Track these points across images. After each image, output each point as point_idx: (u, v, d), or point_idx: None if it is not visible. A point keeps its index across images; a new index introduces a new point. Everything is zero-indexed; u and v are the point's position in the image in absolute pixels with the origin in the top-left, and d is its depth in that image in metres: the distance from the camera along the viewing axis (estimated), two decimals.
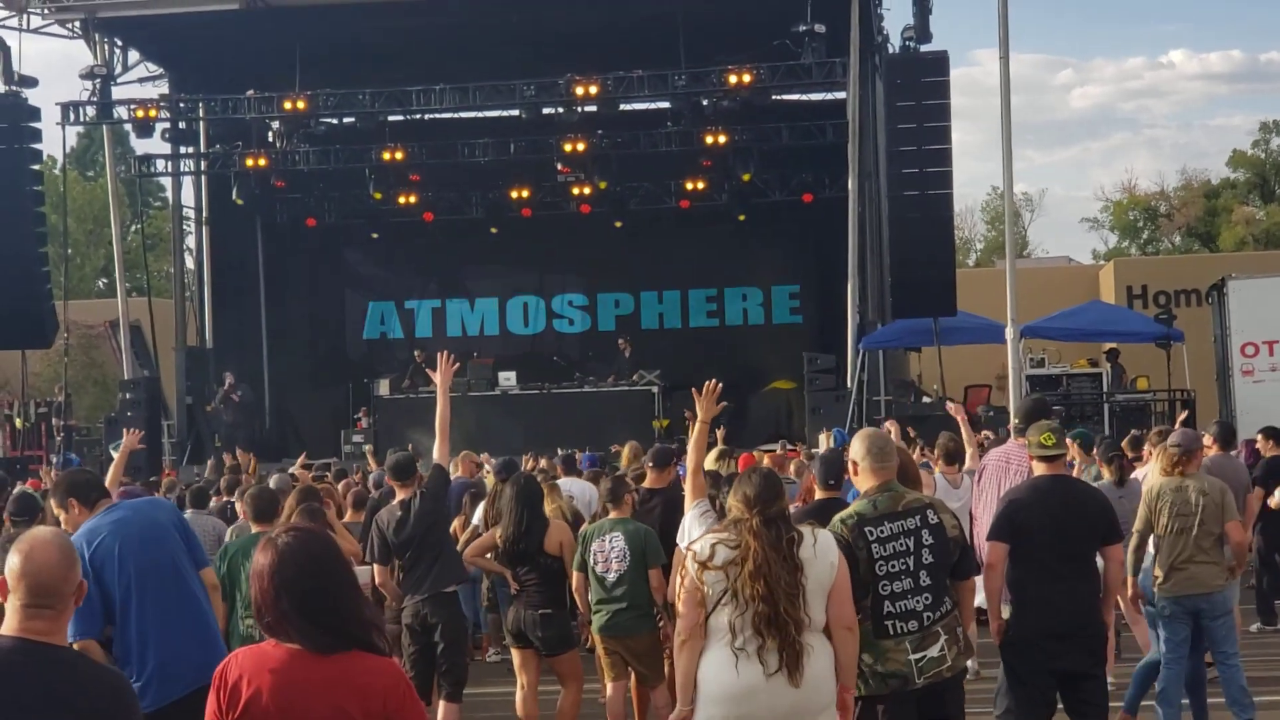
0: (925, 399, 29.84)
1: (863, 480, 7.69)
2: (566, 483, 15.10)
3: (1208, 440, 12.59)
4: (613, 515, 11.09)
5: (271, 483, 14.46)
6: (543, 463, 19.27)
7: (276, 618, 4.64)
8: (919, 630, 7.38)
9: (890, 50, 29.60)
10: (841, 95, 31.07)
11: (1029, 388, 28.08)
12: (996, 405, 29.39)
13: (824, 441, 22.90)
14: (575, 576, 10.95)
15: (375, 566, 11.03)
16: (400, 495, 11.18)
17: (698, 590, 6.78)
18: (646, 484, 12.09)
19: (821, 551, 6.81)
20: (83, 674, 4.78)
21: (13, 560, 4.72)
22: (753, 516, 6.77)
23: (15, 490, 13.12)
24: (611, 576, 10.77)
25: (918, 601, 7.40)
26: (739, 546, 6.74)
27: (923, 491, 8.66)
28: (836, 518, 7.64)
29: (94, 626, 7.52)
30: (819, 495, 10.68)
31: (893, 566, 7.40)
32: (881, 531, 7.43)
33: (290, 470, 18.25)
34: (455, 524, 13.60)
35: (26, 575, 4.66)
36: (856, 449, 7.79)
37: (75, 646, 6.02)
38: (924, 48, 28.37)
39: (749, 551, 6.70)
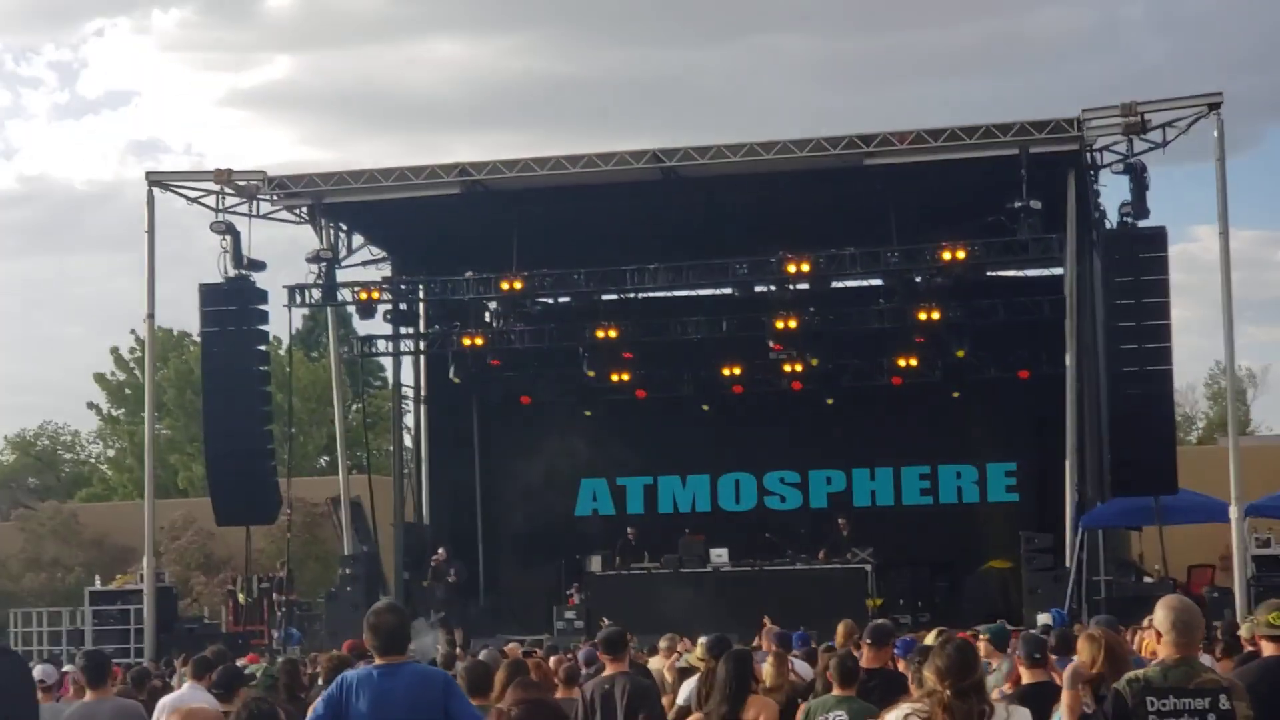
0: (1147, 579, 29.13)
1: (1162, 650, 7.50)
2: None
3: None
4: (838, 693, 10.89)
5: (483, 656, 14.54)
6: (756, 641, 19.08)
7: None
8: None
9: (1107, 226, 29.36)
10: (1058, 271, 30.84)
11: (1255, 568, 27.28)
12: (1221, 586, 28.59)
13: (1042, 622, 22.46)
14: None
15: None
16: (610, 670, 11.18)
17: None
18: (864, 663, 11.93)
19: None
20: None
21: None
22: (945, 689, 6.68)
23: (86, 650, 13.36)
24: None
25: None
26: (930, 718, 6.67)
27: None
28: (1125, 678, 7.45)
29: None
30: (1025, 677, 10.49)
31: None
32: (1164, 705, 7.21)
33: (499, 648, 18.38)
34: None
35: None
36: (1161, 617, 7.58)
37: None
38: (1141, 223, 28.11)
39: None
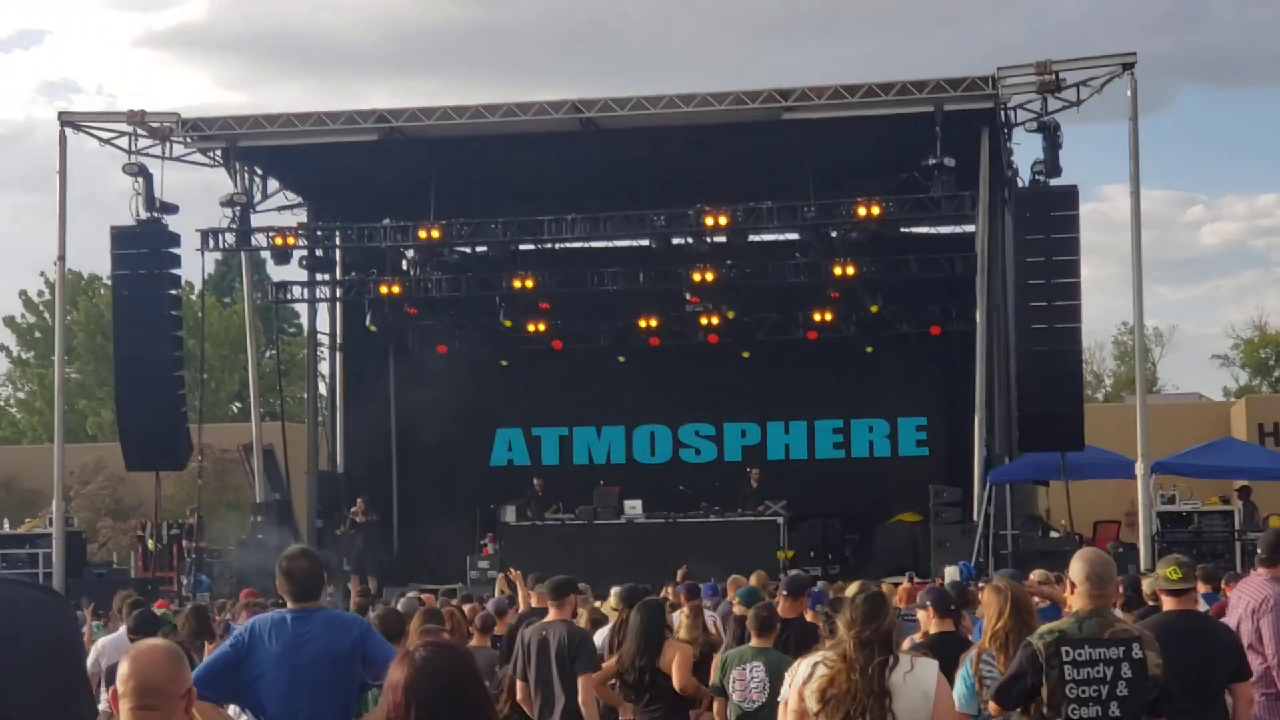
0: (1053, 534, 29.53)
1: (1076, 601, 7.64)
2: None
3: None
4: (755, 644, 11.03)
5: (399, 606, 14.59)
6: (665, 591, 19.23)
7: None
8: None
9: (1020, 184, 29.63)
10: (970, 228, 31.10)
11: (1159, 524, 27.72)
12: (1126, 541, 29.02)
13: (949, 575, 22.74)
14: (716, 701, 10.94)
15: (517, 682, 11.14)
16: (551, 616, 11.31)
17: (798, 700, 6.85)
18: (780, 613, 12.10)
19: (915, 680, 6.83)
20: None
21: (122, 667, 4.87)
22: (850, 637, 6.83)
23: (138, 610, 13.36)
24: (749, 706, 10.72)
25: None
26: (833, 666, 6.83)
27: None
28: (1038, 631, 7.61)
29: None
30: (934, 627, 10.69)
31: (1083, 692, 7.32)
32: (1080, 655, 7.35)
33: (417, 594, 18.43)
34: None
35: (132, 677, 4.81)
36: (1076, 569, 7.73)
37: None
38: (1054, 182, 28.36)
39: (837, 672, 6.77)
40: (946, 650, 8.81)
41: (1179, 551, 25.06)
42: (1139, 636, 7.58)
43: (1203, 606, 13.44)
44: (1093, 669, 7.35)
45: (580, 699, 11.11)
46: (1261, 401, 46.13)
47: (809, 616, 12.50)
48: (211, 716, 7.57)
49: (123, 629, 13.29)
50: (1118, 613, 8.21)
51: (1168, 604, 8.81)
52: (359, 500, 33.41)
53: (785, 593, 12.41)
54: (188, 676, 4.91)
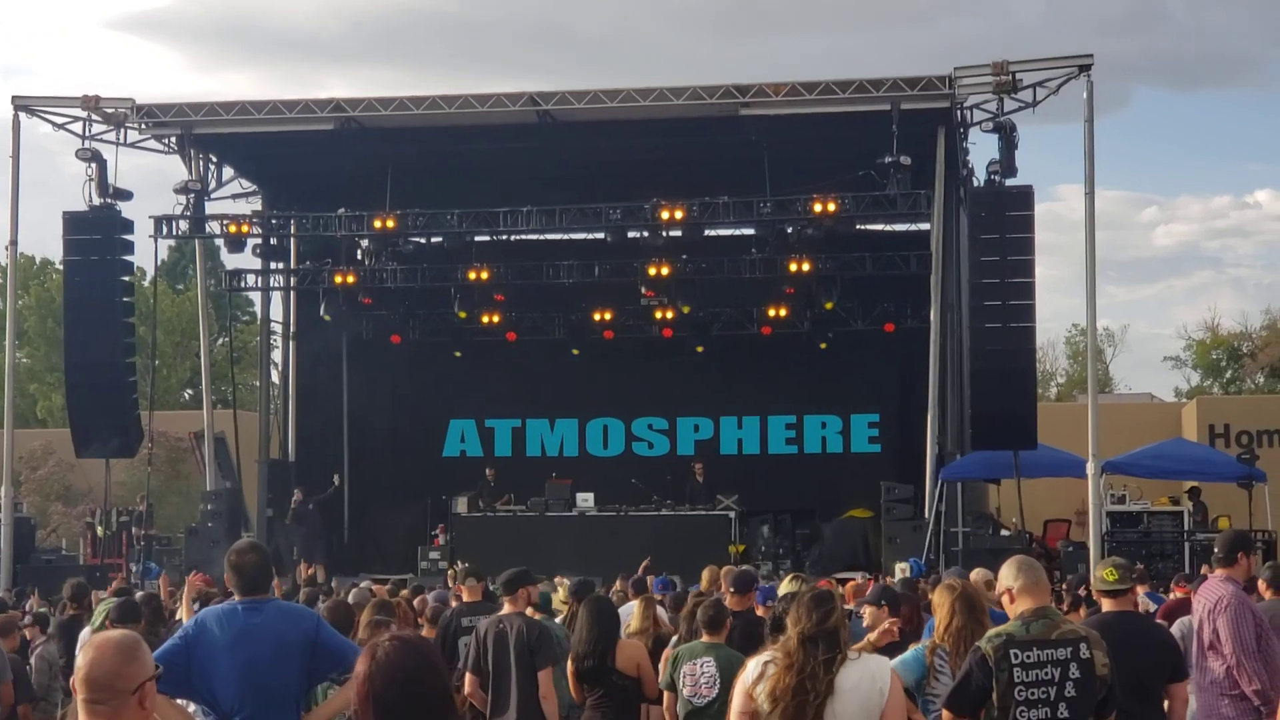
0: (1004, 532, 29.66)
1: (1019, 604, 7.64)
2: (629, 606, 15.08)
3: (1261, 585, 12.33)
4: (706, 639, 11.04)
5: (350, 597, 14.56)
6: (616, 585, 19.26)
7: None
8: None
9: (975, 183, 29.73)
10: (925, 226, 31.20)
11: (1109, 524, 27.88)
12: (1076, 540, 29.19)
13: (900, 571, 22.85)
14: (666, 696, 10.94)
15: (467, 675, 11.10)
16: (506, 609, 11.30)
17: (747, 700, 6.87)
18: (728, 606, 12.14)
19: (870, 676, 6.85)
20: None
21: (78, 659, 4.86)
22: (796, 635, 6.85)
23: (119, 600, 13.29)
24: (699, 701, 10.72)
25: None
26: (781, 665, 6.85)
27: None
28: (986, 635, 7.64)
29: None
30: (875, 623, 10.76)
31: (1033, 694, 7.35)
32: (1028, 657, 7.38)
33: (369, 586, 18.37)
34: None
35: (81, 669, 4.80)
36: (1008, 574, 7.77)
37: None
38: (1009, 182, 28.43)
39: (784, 670, 6.79)
40: (887, 649, 8.85)
41: (1128, 552, 25.35)
42: (1086, 636, 7.61)
43: (1151, 606, 13.57)
44: (1041, 670, 7.37)
45: (541, 692, 11.09)
46: (1212, 403, 46.45)
47: (761, 612, 12.53)
48: (169, 713, 7.48)
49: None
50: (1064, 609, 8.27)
51: (1106, 605, 8.91)
52: (296, 491, 33.26)
53: (732, 589, 12.44)
54: (140, 671, 4.87)
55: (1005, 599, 7.78)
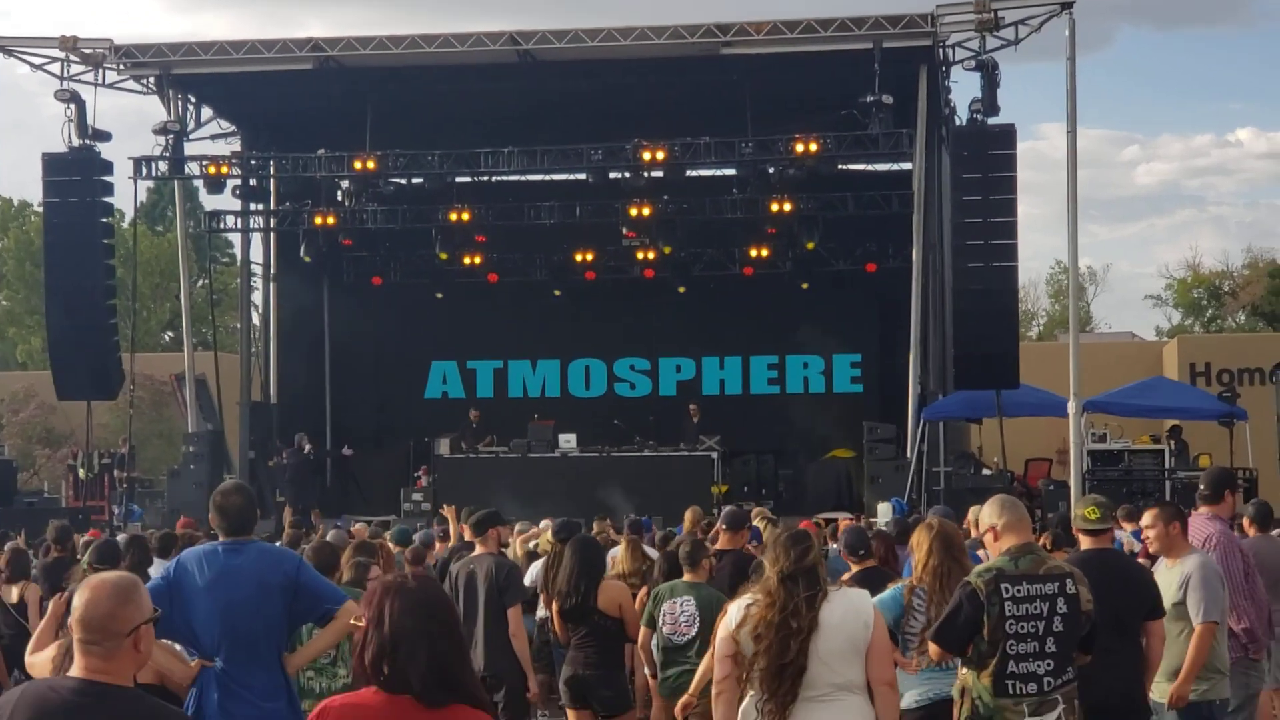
0: (985, 471, 29.76)
1: (1004, 541, 7.73)
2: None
3: (1245, 522, 12.41)
4: (687, 578, 11.08)
5: (330, 538, 14.54)
6: (594, 527, 19.26)
7: (395, 666, 4.64)
8: (1038, 694, 7.46)
9: (957, 122, 29.65)
10: (907, 166, 31.12)
11: (1090, 462, 27.96)
12: (1057, 479, 29.28)
13: (882, 511, 22.91)
14: (643, 632, 10.99)
15: None
16: (478, 550, 11.31)
17: (730, 644, 6.88)
18: (719, 545, 12.18)
19: (854, 609, 6.88)
20: (142, 712, 4.85)
21: (75, 600, 4.85)
22: (775, 574, 6.88)
23: (99, 540, 13.27)
24: (679, 639, 10.77)
25: (1040, 666, 7.48)
26: (761, 604, 6.88)
27: None
28: (975, 570, 7.71)
29: None
30: (854, 566, 10.83)
31: (1022, 628, 7.46)
32: (1018, 591, 7.49)
33: (349, 527, 18.39)
34: None
35: (76, 609, 4.79)
36: (991, 513, 7.86)
37: None
38: (991, 121, 28.36)
39: (765, 608, 6.82)
40: (868, 585, 8.87)
41: (1109, 490, 25.41)
42: (1071, 573, 7.72)
43: (1135, 545, 13.62)
44: (1030, 605, 7.49)
45: (510, 630, 11.14)
46: (1193, 342, 46.52)
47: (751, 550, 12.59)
48: (161, 656, 7.48)
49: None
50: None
51: (1085, 543, 8.95)
52: (299, 436, 33.25)
53: (724, 526, 12.50)
54: (136, 614, 4.86)
55: (989, 537, 7.84)
